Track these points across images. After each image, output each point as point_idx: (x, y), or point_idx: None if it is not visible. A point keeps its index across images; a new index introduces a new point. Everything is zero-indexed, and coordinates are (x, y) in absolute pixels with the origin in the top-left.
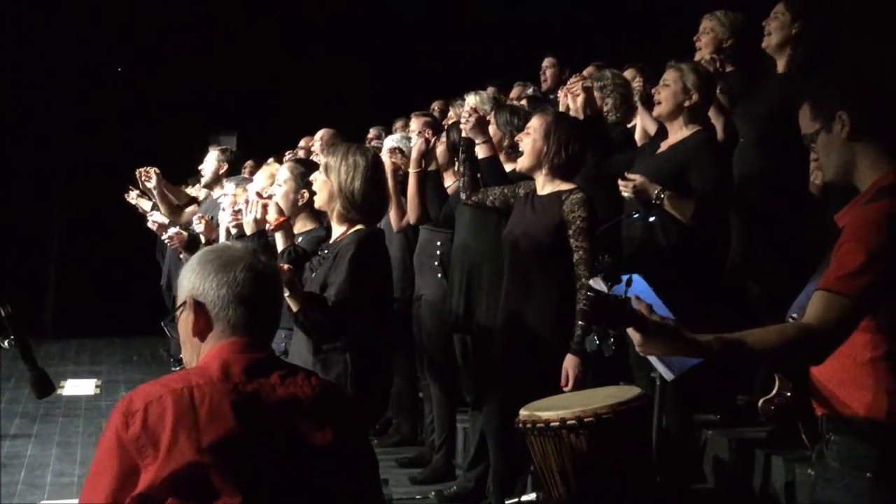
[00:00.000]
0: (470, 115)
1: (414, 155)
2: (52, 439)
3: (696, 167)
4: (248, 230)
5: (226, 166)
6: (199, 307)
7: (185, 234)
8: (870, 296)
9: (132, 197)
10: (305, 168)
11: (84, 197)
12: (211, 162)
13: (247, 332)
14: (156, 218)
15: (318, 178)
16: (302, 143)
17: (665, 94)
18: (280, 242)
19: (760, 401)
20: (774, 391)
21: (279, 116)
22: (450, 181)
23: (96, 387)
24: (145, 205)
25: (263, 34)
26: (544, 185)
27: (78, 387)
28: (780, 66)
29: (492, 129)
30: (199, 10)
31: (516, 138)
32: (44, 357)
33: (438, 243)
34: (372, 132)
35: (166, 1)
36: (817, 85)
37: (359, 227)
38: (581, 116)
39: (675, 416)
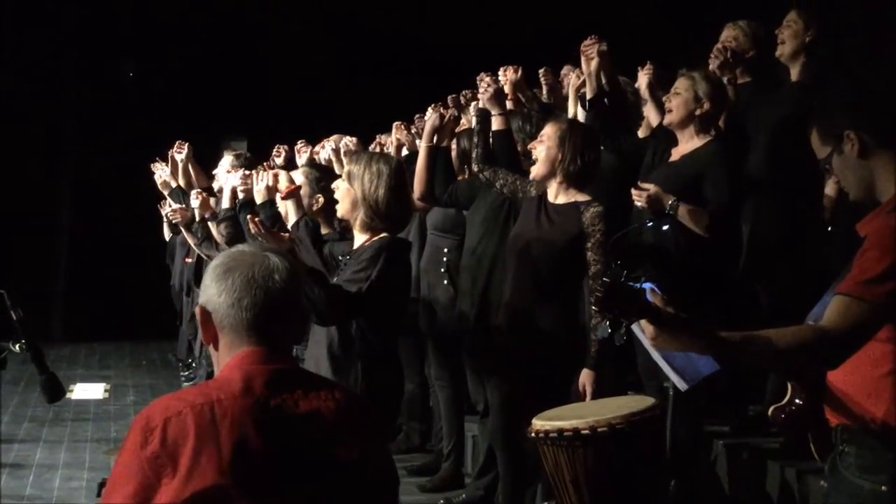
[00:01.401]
0: (489, 86)
1: (427, 128)
2: (60, 443)
3: (710, 178)
4: (259, 198)
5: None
6: (206, 315)
7: (188, 212)
8: (890, 304)
9: (158, 168)
10: (320, 173)
11: (93, 201)
12: (225, 167)
13: (257, 339)
14: (163, 174)
15: (340, 186)
16: (318, 148)
17: (676, 103)
18: (292, 212)
19: (771, 408)
20: (786, 399)
21: (289, 121)
22: None
23: (105, 391)
24: (167, 176)
25: (272, 38)
26: (558, 194)
27: (87, 391)
28: (794, 74)
29: None
30: (208, 17)
31: (529, 146)
32: (53, 361)
33: (445, 250)
34: (383, 138)
35: (175, 7)
36: (821, 107)
37: (383, 235)
38: (593, 82)
39: (686, 426)
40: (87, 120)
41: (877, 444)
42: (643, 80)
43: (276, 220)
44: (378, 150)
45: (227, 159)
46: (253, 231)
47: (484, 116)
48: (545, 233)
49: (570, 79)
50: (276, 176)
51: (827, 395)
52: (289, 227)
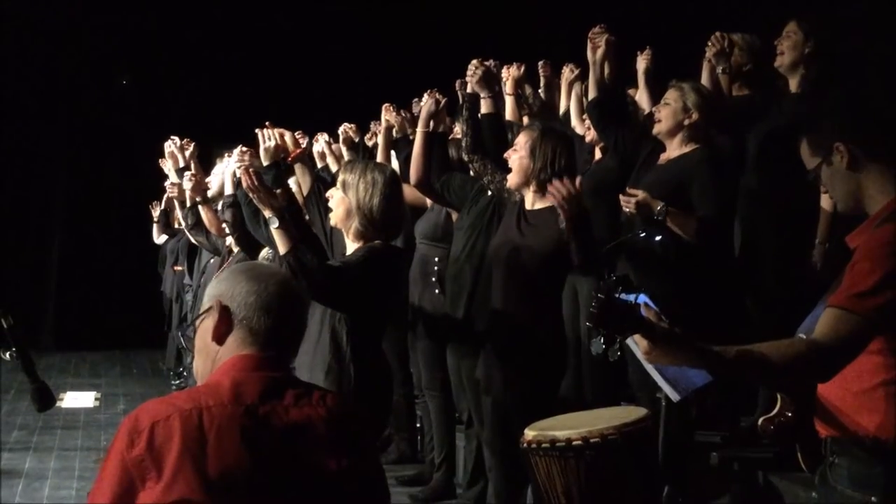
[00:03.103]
0: (477, 68)
1: (423, 114)
2: (50, 452)
3: (697, 185)
4: (265, 159)
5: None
6: (224, 310)
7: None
8: (881, 316)
9: (170, 140)
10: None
11: (85, 210)
12: (218, 176)
13: (265, 345)
14: (174, 147)
15: (334, 195)
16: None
17: (665, 113)
18: (301, 177)
19: (761, 419)
20: (776, 410)
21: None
22: None
23: (95, 399)
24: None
25: (262, 49)
26: (534, 202)
27: (77, 399)
28: (793, 85)
29: None
30: (198, 29)
31: (505, 155)
32: (43, 369)
33: (436, 259)
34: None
35: (166, 20)
36: (813, 118)
37: (376, 241)
38: (597, 71)
39: (678, 437)
40: (80, 129)
41: (867, 456)
42: (641, 64)
43: (279, 181)
44: (374, 137)
45: (219, 167)
46: (245, 184)
47: (472, 102)
48: (524, 239)
49: (564, 73)
50: (282, 135)
51: (817, 407)
52: (304, 193)
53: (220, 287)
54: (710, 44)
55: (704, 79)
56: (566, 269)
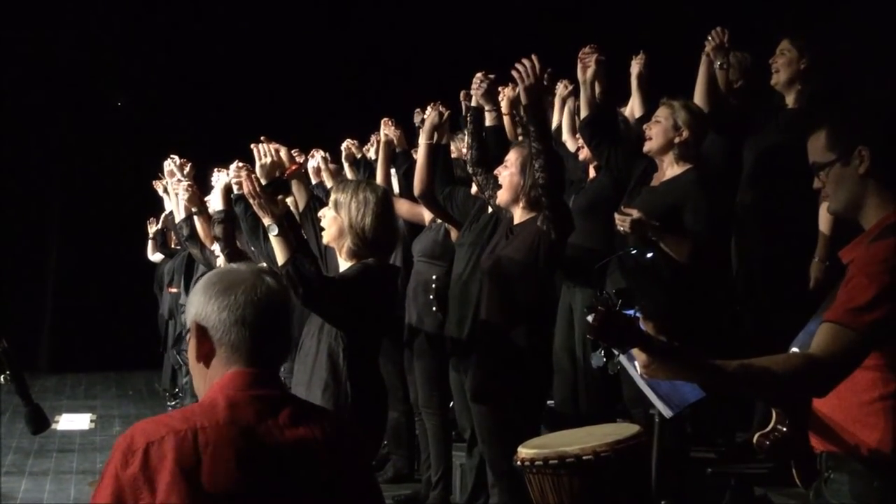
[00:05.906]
0: (482, 81)
1: (427, 126)
2: (46, 475)
3: (690, 206)
4: (263, 177)
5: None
6: (201, 332)
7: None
8: (877, 332)
9: (170, 159)
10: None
11: (81, 231)
12: (217, 194)
13: (252, 359)
14: (173, 166)
15: (327, 214)
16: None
17: (656, 131)
18: (297, 194)
19: (756, 435)
20: (770, 426)
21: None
22: None
23: (91, 421)
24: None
25: (257, 68)
26: (522, 217)
27: (73, 421)
28: (790, 101)
29: None
30: (194, 48)
31: (496, 171)
32: (39, 391)
33: (434, 277)
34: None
35: (162, 38)
36: (839, 114)
37: (370, 260)
38: (588, 91)
39: (672, 454)
40: (75, 150)
41: (866, 471)
42: (634, 69)
43: (278, 193)
44: (370, 150)
45: (218, 186)
46: (246, 191)
47: (476, 115)
48: (507, 249)
49: (559, 89)
50: (277, 151)
51: (812, 422)
52: (299, 210)
53: (195, 305)
54: (709, 38)
55: (701, 74)
56: (547, 275)
